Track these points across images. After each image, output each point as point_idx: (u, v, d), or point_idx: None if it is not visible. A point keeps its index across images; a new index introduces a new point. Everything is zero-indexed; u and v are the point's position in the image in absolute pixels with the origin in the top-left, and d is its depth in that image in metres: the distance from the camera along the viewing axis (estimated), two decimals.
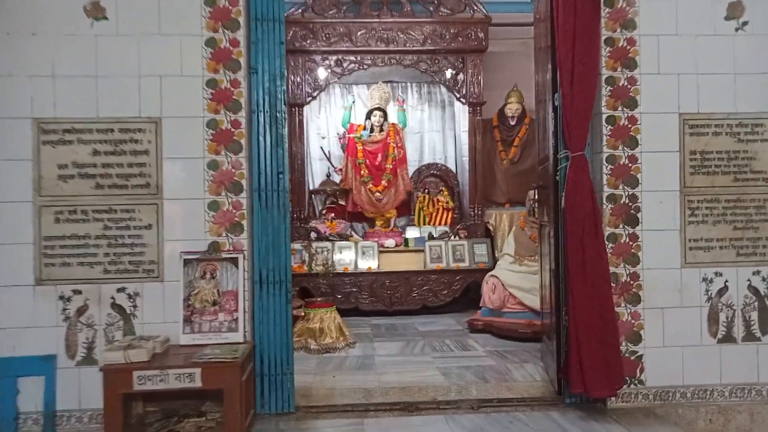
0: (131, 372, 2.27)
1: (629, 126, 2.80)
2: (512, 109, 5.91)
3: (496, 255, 5.46)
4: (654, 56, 2.81)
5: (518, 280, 4.59)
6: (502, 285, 4.58)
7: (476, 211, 5.56)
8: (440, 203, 5.99)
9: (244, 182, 2.68)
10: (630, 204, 2.80)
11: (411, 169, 6.02)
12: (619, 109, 2.80)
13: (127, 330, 2.62)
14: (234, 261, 2.65)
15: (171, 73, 2.66)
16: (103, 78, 2.64)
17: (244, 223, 2.68)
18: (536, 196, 3.58)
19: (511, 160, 5.89)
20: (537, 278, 4.53)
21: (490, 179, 5.78)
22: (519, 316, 4.47)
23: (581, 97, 2.68)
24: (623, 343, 2.76)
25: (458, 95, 5.56)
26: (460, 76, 5.54)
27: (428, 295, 5.29)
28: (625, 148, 2.80)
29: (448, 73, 5.52)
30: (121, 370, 2.28)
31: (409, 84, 6.39)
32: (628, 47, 2.80)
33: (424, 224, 5.96)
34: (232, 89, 2.68)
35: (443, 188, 6.03)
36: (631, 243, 2.80)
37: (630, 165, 2.79)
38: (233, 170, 2.68)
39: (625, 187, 2.80)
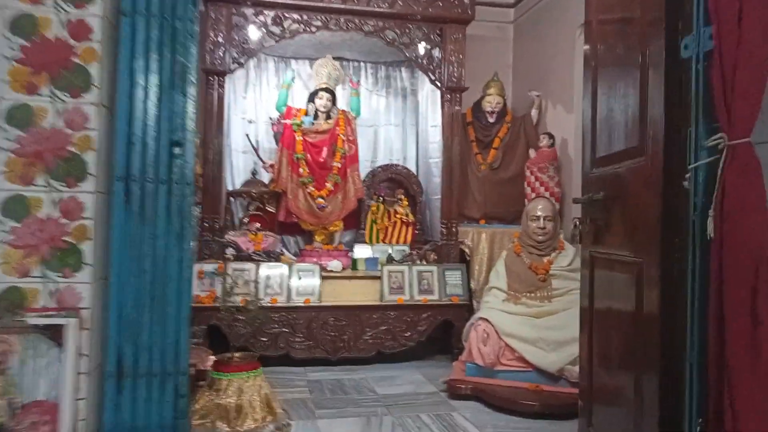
0: None
1: None
2: (491, 102, 4.74)
3: (472, 285, 4.23)
4: None
5: (517, 325, 3.36)
6: (497, 333, 3.33)
7: (449, 228, 4.29)
8: (398, 216, 4.69)
9: (90, 159, 1.25)
10: None
11: (363, 170, 4.68)
12: None
13: None
14: (55, 333, 1.20)
15: None
16: None
17: (87, 246, 1.25)
18: (587, 217, 2.35)
19: (490, 165, 4.70)
20: (544, 325, 3.33)
21: (462, 188, 4.54)
22: (519, 377, 3.23)
23: (757, 34, 1.48)
24: None
25: (433, 77, 4.29)
26: (436, 53, 4.29)
27: (386, 338, 3.95)
28: None
29: (421, 47, 4.25)
30: None
31: (363, 64, 5.06)
32: None
33: (377, 241, 4.63)
34: None
35: (402, 197, 4.74)
36: None
37: None
38: (68, 131, 1.25)
39: None
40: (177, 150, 1.37)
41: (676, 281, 1.76)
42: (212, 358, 3.15)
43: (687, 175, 1.67)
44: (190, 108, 1.38)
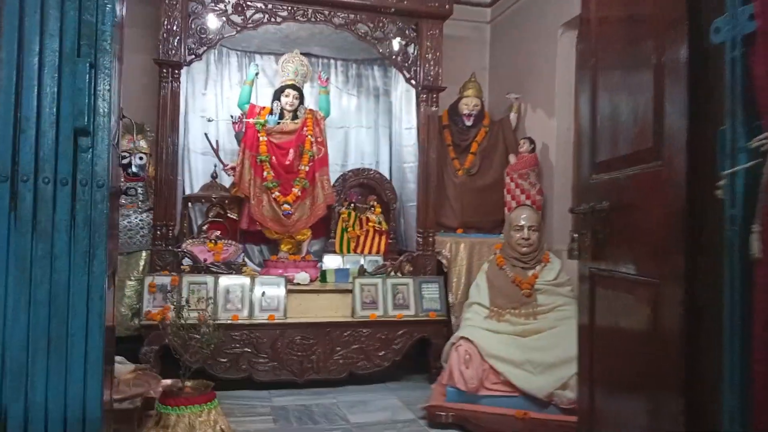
0: None
1: None
2: (469, 105, 4.48)
3: (449, 299, 3.94)
4: None
5: (502, 346, 3.09)
6: (479, 354, 3.04)
7: (426, 237, 4.00)
8: (371, 224, 4.37)
9: None
10: None
11: (333, 175, 4.36)
12: None
13: None
14: None
15: None
16: None
17: None
18: (586, 229, 2.07)
19: (467, 171, 4.43)
20: (531, 345, 3.06)
21: (439, 194, 4.25)
22: (505, 403, 2.95)
23: None
24: None
25: (408, 75, 4.00)
26: (412, 49, 4.00)
27: (358, 357, 3.62)
28: None
29: (396, 43, 3.96)
30: None
31: (333, 61, 4.75)
32: None
33: (348, 251, 4.31)
34: None
35: (375, 203, 4.42)
36: None
37: None
38: None
39: None
40: (84, 140, 1.03)
41: (700, 305, 1.50)
42: (165, 383, 2.78)
43: (720, 183, 1.40)
44: (105, 85, 1.05)
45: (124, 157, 3.90)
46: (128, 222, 3.67)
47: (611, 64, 2.01)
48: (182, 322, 2.56)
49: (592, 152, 2.06)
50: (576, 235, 2.13)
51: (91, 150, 1.03)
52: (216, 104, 4.45)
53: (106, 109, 1.04)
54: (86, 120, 0.99)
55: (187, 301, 2.67)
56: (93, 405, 1.00)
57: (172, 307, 2.79)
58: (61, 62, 0.99)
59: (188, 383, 2.50)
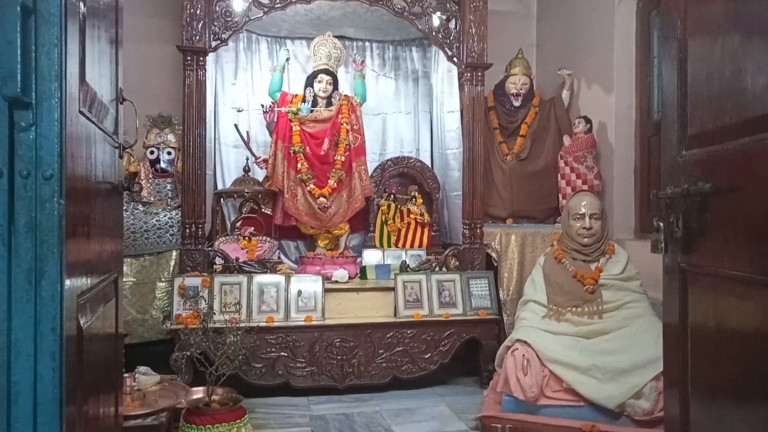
0: None
1: None
2: (516, 83, 4.12)
3: (501, 296, 3.62)
4: None
5: (564, 349, 2.75)
6: (539, 359, 2.72)
7: (473, 229, 3.67)
8: (413, 215, 4.07)
9: None
10: None
11: (370, 165, 4.08)
12: None
13: None
14: None
15: None
16: None
17: None
18: (675, 217, 1.72)
19: (517, 155, 4.08)
20: (598, 348, 2.71)
21: (486, 182, 3.91)
22: (570, 414, 2.62)
23: None
24: None
25: (450, 52, 3.66)
26: (453, 25, 3.66)
27: (402, 361, 3.35)
28: None
29: (436, 18, 3.63)
30: None
31: (368, 43, 4.46)
32: None
33: (389, 246, 4.02)
34: None
35: (416, 194, 4.12)
36: None
37: None
38: None
39: None
40: (22, 115, 0.77)
41: None
42: (195, 393, 2.58)
43: None
44: (51, 38, 0.79)
45: (152, 152, 3.73)
46: (157, 221, 3.49)
47: (709, 21, 1.64)
48: (208, 327, 2.32)
49: (681, 125, 1.70)
50: (662, 224, 1.78)
51: (33, 128, 0.77)
52: (247, 94, 4.23)
53: (55, 72, 0.78)
54: (19, 86, 0.73)
55: (211, 307, 2.44)
56: None
57: (200, 313, 2.57)
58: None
59: (215, 396, 2.27)
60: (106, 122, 1.43)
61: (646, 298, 2.93)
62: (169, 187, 3.70)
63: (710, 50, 1.60)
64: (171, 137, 3.70)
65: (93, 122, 1.30)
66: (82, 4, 1.03)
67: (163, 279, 3.40)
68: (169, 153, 3.70)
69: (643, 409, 2.51)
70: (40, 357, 0.80)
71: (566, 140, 3.92)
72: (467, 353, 3.53)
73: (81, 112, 1.11)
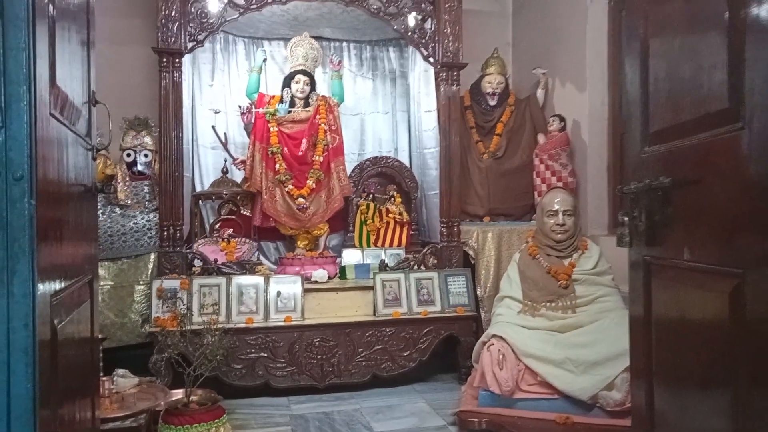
0: None
1: None
2: (492, 82, 4.18)
3: (478, 293, 3.67)
4: None
5: (539, 343, 2.80)
6: (514, 353, 2.77)
7: (450, 227, 3.72)
8: (391, 215, 4.11)
9: None
10: None
11: (349, 165, 4.10)
12: None
13: None
14: None
15: None
16: None
17: None
18: (639, 211, 1.77)
19: (493, 154, 4.14)
20: (571, 342, 2.77)
21: (463, 181, 3.97)
22: (544, 406, 2.68)
23: None
24: None
25: (425, 52, 3.71)
26: (429, 25, 3.71)
27: (381, 359, 3.38)
28: None
29: (411, 18, 3.67)
30: None
31: (345, 44, 4.48)
32: None
33: (368, 245, 4.05)
34: None
35: (395, 193, 4.15)
36: None
37: None
38: None
39: None
40: None
41: None
42: (173, 395, 2.58)
43: None
44: (18, 41, 0.80)
45: (128, 155, 3.71)
46: (135, 223, 3.48)
47: (668, 22, 1.70)
48: (185, 329, 2.33)
49: (644, 122, 1.76)
50: (626, 219, 1.84)
51: (2, 131, 0.79)
52: (224, 95, 4.23)
53: (23, 75, 0.80)
54: None
55: (189, 309, 2.45)
56: None
57: (179, 315, 2.57)
58: None
59: (194, 397, 2.28)
60: (78, 125, 1.44)
61: (617, 292, 3.00)
62: (146, 189, 3.68)
63: (670, 49, 1.66)
64: (148, 139, 3.69)
65: (65, 125, 1.31)
66: (51, 6, 1.04)
67: (141, 282, 3.38)
68: (146, 155, 3.68)
69: (615, 400, 2.57)
70: (13, 352, 0.81)
71: (541, 138, 3.98)
72: (446, 350, 3.58)
73: (52, 115, 1.12)
